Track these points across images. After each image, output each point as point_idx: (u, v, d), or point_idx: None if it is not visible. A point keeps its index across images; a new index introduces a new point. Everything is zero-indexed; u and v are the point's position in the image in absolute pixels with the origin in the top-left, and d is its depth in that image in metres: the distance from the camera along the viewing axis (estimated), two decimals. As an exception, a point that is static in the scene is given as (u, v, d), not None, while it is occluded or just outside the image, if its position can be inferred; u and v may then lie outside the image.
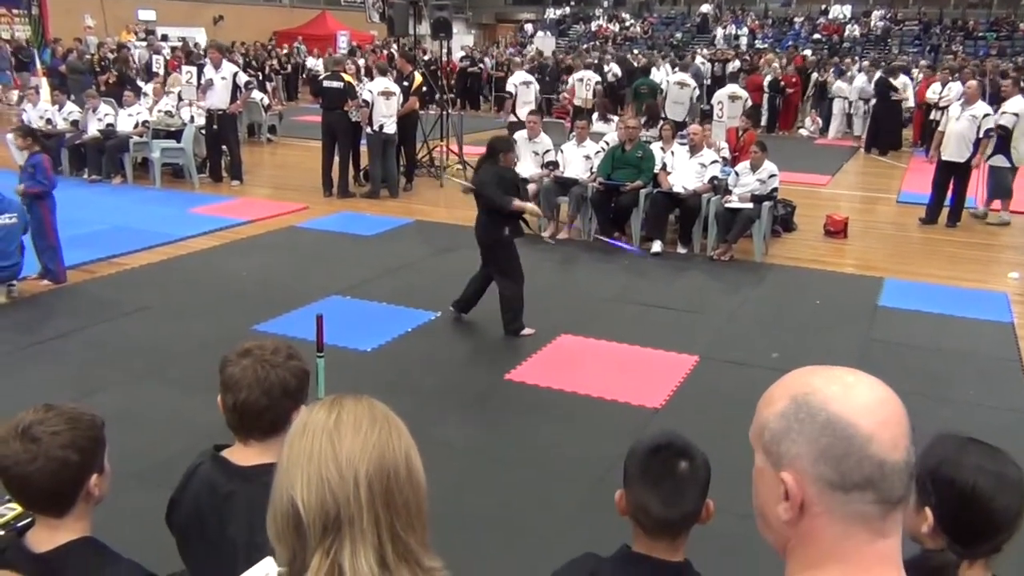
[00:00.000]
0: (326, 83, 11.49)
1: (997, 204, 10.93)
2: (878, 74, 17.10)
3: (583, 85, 15.98)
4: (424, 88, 12.46)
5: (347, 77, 11.50)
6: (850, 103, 18.00)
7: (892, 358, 6.07)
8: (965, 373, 5.90)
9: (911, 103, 16.76)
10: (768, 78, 18.87)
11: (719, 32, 32.35)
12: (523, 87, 14.11)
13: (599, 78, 17.18)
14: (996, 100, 18.21)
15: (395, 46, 19.62)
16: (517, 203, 6.18)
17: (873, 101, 16.70)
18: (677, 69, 18.27)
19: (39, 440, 1.69)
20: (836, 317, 6.98)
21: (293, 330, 5.96)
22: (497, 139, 6.50)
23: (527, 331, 6.34)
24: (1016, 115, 10.52)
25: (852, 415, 1.01)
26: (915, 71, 19.58)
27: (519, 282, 6.32)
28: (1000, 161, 10.64)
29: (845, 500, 1.01)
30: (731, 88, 14.56)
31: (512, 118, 13.61)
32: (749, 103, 13.77)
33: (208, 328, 6.29)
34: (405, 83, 11.63)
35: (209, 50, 12.24)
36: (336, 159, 11.31)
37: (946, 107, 12.62)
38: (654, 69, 20.42)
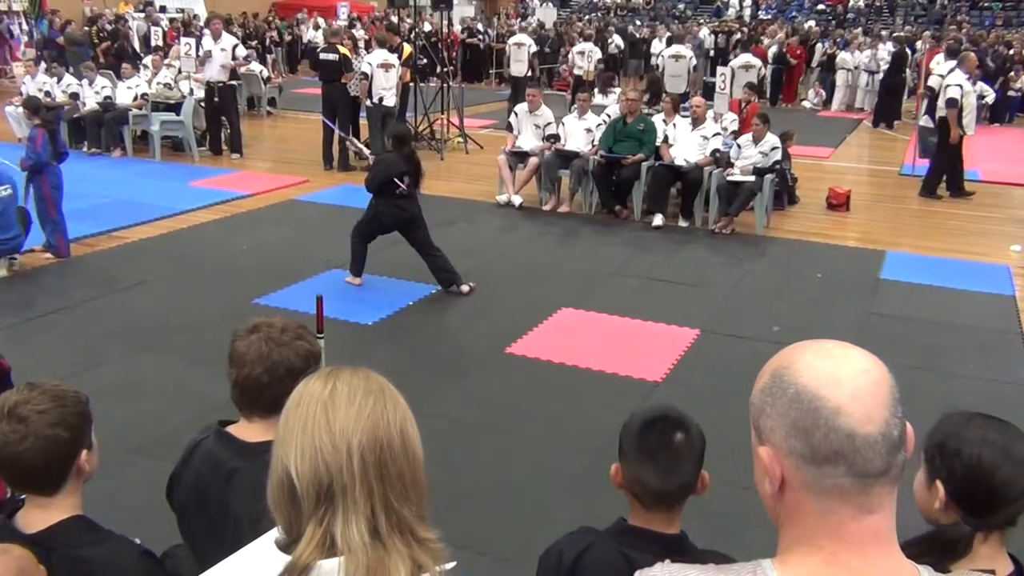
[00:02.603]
0: (322, 55, 11.44)
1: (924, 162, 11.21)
2: (888, 46, 16.95)
3: (584, 58, 15.90)
4: (424, 60, 12.35)
5: (343, 49, 11.42)
6: (851, 74, 17.87)
7: (893, 331, 6.07)
8: (966, 346, 5.90)
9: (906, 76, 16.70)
10: (772, 49, 18.67)
11: (732, 1, 31.94)
12: (515, 48, 16.02)
13: (599, 51, 17.08)
14: (1002, 72, 18.10)
15: (393, 17, 19.44)
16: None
17: (880, 74, 16.60)
18: (672, 41, 18.11)
19: (27, 419, 1.68)
20: (837, 290, 6.97)
21: (294, 304, 5.96)
22: (404, 129, 7.26)
23: (352, 280, 6.74)
24: (942, 76, 10.66)
25: (820, 387, 1.01)
26: (919, 43, 19.39)
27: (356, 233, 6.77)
28: (926, 122, 10.97)
29: (819, 474, 1.01)
30: (745, 57, 14.40)
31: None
32: (763, 72, 13.67)
33: (209, 302, 6.29)
34: (395, 55, 11.56)
35: (212, 21, 12.13)
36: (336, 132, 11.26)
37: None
38: (655, 40, 20.26)
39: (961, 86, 10.15)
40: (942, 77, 10.62)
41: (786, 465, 1.03)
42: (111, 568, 1.71)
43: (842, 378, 1.01)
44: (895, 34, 19.34)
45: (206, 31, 12.61)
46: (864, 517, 1.02)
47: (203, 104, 11.85)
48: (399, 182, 6.47)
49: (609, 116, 9.72)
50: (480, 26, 24.42)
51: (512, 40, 16.81)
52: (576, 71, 15.81)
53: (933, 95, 10.73)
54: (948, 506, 1.62)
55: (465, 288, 6.66)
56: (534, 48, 16.29)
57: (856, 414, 0.99)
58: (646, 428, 1.78)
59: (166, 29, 18.04)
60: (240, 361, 1.88)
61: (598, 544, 1.78)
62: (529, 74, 15.62)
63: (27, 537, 1.69)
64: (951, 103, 10.08)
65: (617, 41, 20.99)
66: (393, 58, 11.18)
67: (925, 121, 11.05)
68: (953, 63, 10.68)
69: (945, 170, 10.47)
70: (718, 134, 9.13)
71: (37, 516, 1.73)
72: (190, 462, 1.96)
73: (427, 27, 18.36)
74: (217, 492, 1.87)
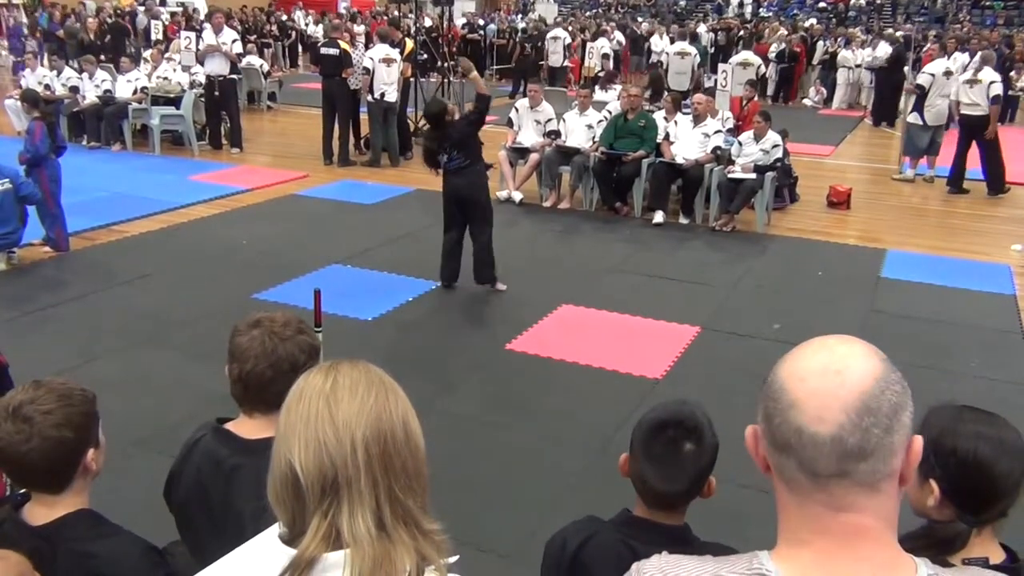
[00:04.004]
0: (323, 50, 11.43)
1: (907, 160, 11.25)
2: (884, 44, 16.92)
3: (598, 54, 16.10)
4: (424, 55, 12.33)
5: (344, 44, 11.40)
6: (852, 72, 17.84)
7: (894, 329, 6.06)
8: (967, 345, 5.90)
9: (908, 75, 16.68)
10: (774, 47, 18.60)
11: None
12: (552, 41, 18.87)
13: (608, 46, 17.23)
14: (1005, 71, 18.07)
15: (396, 12, 19.46)
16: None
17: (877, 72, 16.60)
18: (675, 39, 18.13)
19: (32, 420, 1.66)
20: (838, 288, 6.96)
21: (293, 299, 5.95)
22: (431, 108, 7.00)
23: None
24: (932, 75, 10.72)
25: (786, 379, 1.03)
26: (927, 44, 19.34)
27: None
28: (915, 119, 10.97)
29: (780, 463, 1.03)
30: (744, 55, 14.38)
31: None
32: (763, 70, 13.67)
33: (208, 296, 6.28)
34: (396, 49, 11.55)
35: (214, 15, 12.11)
36: (336, 127, 11.24)
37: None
38: (655, 37, 20.24)
39: (1000, 82, 10.28)
40: (933, 76, 10.64)
41: (764, 447, 1.07)
42: (116, 563, 1.70)
43: (808, 375, 1.02)
44: (886, 31, 19.30)
45: (206, 25, 12.58)
46: (836, 514, 1.01)
47: (203, 98, 11.83)
48: (445, 156, 6.55)
49: (610, 112, 9.71)
50: (481, 21, 24.38)
51: (550, 34, 19.58)
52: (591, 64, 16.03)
53: (923, 93, 10.75)
54: (943, 503, 1.61)
55: (502, 287, 6.63)
56: (568, 41, 18.89)
57: (809, 412, 0.99)
58: (658, 431, 1.74)
59: (167, 23, 18.00)
60: (243, 356, 1.85)
61: (602, 533, 1.78)
62: (566, 64, 18.30)
63: (33, 530, 1.68)
64: (997, 100, 10.22)
65: (618, 37, 20.96)
66: (395, 53, 11.16)
67: (914, 118, 10.98)
68: (945, 60, 10.67)
69: (1001, 164, 10.49)
70: (719, 131, 9.11)
71: (42, 513, 1.72)
72: (189, 460, 1.93)
73: (428, 22, 18.35)
74: (219, 490, 1.84)
